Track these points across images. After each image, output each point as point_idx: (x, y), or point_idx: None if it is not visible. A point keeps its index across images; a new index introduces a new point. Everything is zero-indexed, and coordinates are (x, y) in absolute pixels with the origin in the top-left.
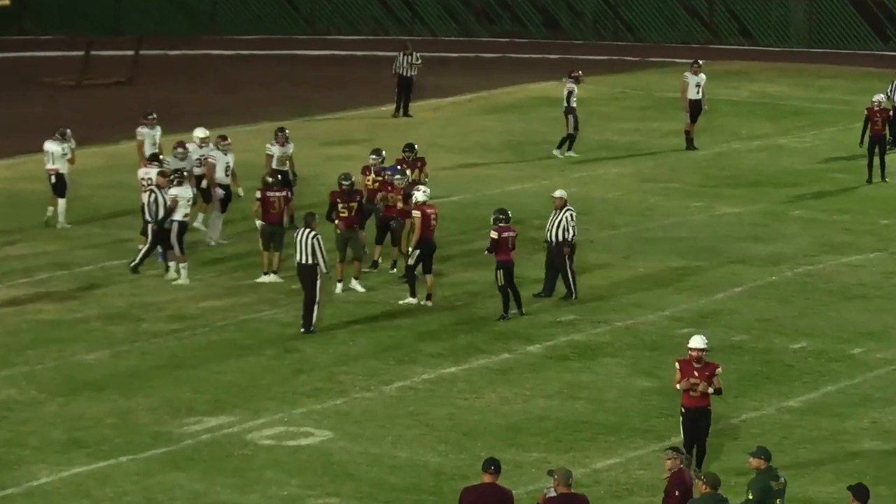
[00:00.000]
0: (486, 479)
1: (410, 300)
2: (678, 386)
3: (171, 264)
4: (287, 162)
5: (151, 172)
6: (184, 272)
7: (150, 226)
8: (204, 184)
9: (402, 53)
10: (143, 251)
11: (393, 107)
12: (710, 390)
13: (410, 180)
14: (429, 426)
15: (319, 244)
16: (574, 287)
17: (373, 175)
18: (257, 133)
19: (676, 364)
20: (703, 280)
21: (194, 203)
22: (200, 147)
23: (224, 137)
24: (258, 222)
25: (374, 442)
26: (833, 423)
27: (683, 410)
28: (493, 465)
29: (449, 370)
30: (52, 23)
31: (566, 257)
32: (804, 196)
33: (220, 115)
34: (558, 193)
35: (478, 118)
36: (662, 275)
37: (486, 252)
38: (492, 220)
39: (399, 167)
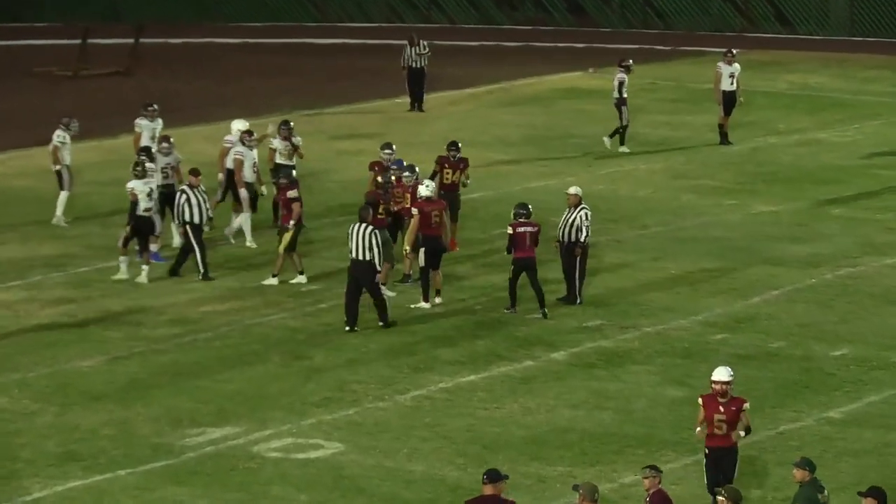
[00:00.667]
0: (487, 490)
1: (423, 304)
2: (698, 430)
3: (145, 267)
4: (293, 156)
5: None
6: (144, 271)
7: (179, 228)
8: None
9: (408, 45)
10: (199, 257)
11: (408, 99)
12: (742, 434)
13: (419, 179)
14: (446, 438)
15: (377, 239)
16: (579, 292)
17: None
18: (263, 127)
19: (699, 400)
20: (738, 283)
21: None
22: (243, 141)
23: (250, 133)
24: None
25: (388, 455)
26: (877, 435)
27: (707, 451)
28: (486, 476)
29: (468, 378)
30: (46, 9)
31: (577, 259)
32: (845, 194)
33: (224, 108)
34: (573, 190)
35: (498, 111)
36: (695, 277)
37: (506, 252)
38: (512, 214)
39: (437, 167)
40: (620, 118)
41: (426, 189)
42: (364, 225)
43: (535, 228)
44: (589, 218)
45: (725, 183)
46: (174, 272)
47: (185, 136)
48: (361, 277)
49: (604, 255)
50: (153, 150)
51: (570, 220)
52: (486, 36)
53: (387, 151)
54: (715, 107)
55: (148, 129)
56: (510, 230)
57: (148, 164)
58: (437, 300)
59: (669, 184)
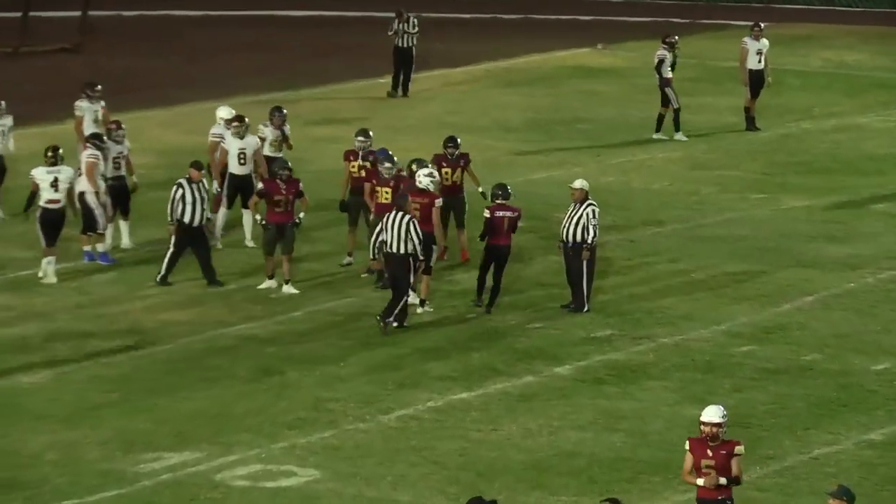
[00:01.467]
0: None
1: (417, 310)
2: (688, 478)
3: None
4: (282, 148)
5: (90, 158)
6: (50, 269)
7: (171, 226)
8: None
9: (395, 20)
10: (167, 257)
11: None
12: (723, 481)
13: (401, 173)
14: (436, 464)
15: (416, 230)
16: (588, 298)
17: (359, 161)
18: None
19: (686, 445)
20: (767, 288)
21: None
22: (229, 129)
23: (241, 119)
24: (258, 217)
25: (371, 483)
26: None
27: (697, 502)
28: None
29: (460, 396)
30: None
31: (584, 262)
32: (889, 187)
33: (185, 89)
34: (578, 184)
35: (495, 93)
36: (717, 281)
37: (480, 238)
38: (489, 195)
39: (430, 162)
40: (666, 102)
41: (426, 178)
42: (401, 214)
43: (515, 213)
44: (597, 215)
45: (752, 174)
46: (163, 281)
47: (141, 121)
48: (396, 271)
49: (614, 256)
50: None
51: (576, 218)
52: (482, 7)
53: (360, 139)
54: (740, 88)
55: (89, 111)
56: (487, 213)
57: (101, 152)
58: (421, 310)
59: (688, 175)
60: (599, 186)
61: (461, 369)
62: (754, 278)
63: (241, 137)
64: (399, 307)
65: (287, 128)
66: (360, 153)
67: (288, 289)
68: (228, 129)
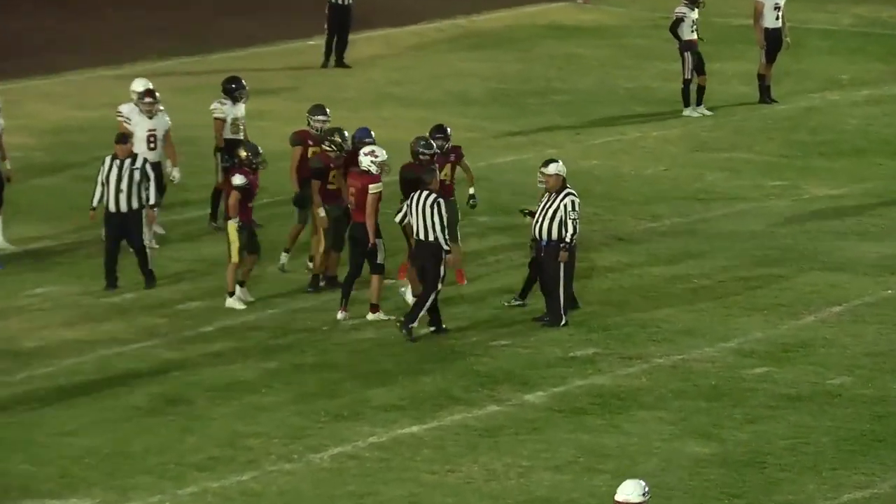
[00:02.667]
0: None
1: (340, 315)
2: None
3: None
4: (241, 127)
5: None
6: None
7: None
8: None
9: None
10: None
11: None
12: None
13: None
14: None
15: (441, 213)
16: (565, 309)
17: (323, 145)
18: (128, 80)
19: None
20: (786, 296)
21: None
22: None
23: (152, 93)
24: (235, 222)
25: None
26: None
27: None
28: None
29: (409, 430)
30: None
31: (561, 265)
32: None
33: (73, 54)
34: (553, 169)
35: (453, 57)
36: (725, 288)
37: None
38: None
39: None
40: (683, 69)
41: (367, 157)
42: (426, 193)
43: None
44: (577, 208)
45: (767, 156)
46: (109, 285)
47: (17, 93)
48: (425, 262)
49: (599, 257)
50: None
51: (551, 211)
52: None
53: (319, 118)
54: (752, 51)
55: None
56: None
57: None
58: (372, 317)
59: (689, 158)
60: (580, 172)
61: (410, 397)
62: (770, 284)
63: (151, 117)
64: (427, 305)
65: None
66: (318, 135)
67: (237, 300)
68: (142, 107)
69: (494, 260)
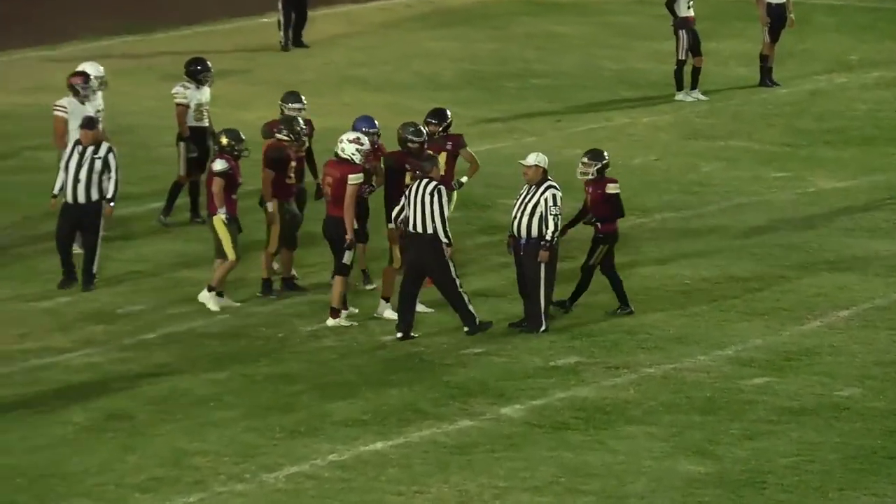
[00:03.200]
0: None
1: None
2: None
3: None
4: (205, 114)
5: None
6: None
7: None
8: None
9: None
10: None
11: (280, 18)
12: None
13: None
14: None
15: (442, 203)
16: (545, 314)
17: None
18: (58, 63)
19: None
20: (789, 299)
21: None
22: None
23: (85, 75)
24: (223, 214)
25: None
26: None
27: None
28: None
29: (373, 447)
30: None
31: (541, 265)
32: None
33: None
34: (532, 160)
35: (421, 36)
36: (722, 290)
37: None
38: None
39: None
40: (677, 48)
41: (350, 145)
42: (426, 181)
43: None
44: (559, 202)
45: (768, 145)
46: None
47: None
48: (423, 259)
49: (582, 256)
50: None
51: (530, 206)
52: None
53: (295, 105)
54: (752, 28)
55: None
56: (615, 188)
57: None
58: (332, 322)
59: (682, 147)
60: (561, 162)
61: (374, 411)
62: (771, 286)
63: (84, 102)
64: (467, 299)
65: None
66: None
67: (216, 301)
68: (81, 90)
69: (467, 259)
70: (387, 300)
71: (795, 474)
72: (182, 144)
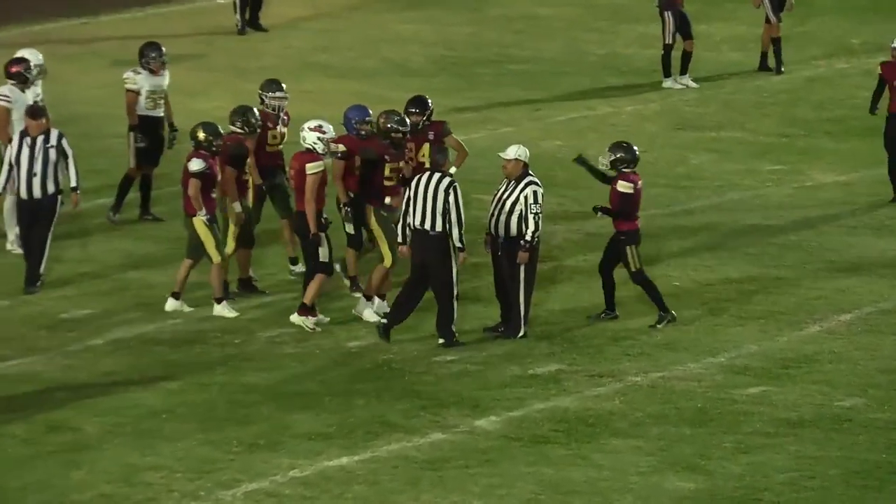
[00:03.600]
0: None
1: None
2: None
3: None
4: (162, 103)
5: None
6: None
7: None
8: None
9: None
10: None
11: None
12: None
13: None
14: None
15: (459, 202)
16: (525, 318)
17: (280, 127)
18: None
19: None
20: (785, 301)
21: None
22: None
23: (23, 62)
24: (202, 215)
25: None
26: None
27: None
28: None
29: (338, 461)
30: None
31: (521, 267)
32: None
33: None
34: (512, 153)
35: (390, 18)
36: (714, 292)
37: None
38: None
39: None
40: (663, 32)
41: (312, 133)
42: (439, 176)
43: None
44: (540, 199)
45: (763, 136)
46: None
47: None
48: (427, 257)
49: (564, 256)
50: None
51: (509, 203)
52: None
53: (277, 94)
54: (744, 9)
55: None
56: (628, 187)
57: None
58: (309, 323)
59: (670, 138)
60: (541, 154)
61: (339, 423)
62: (767, 288)
63: (24, 90)
64: (454, 314)
65: (166, 74)
66: (274, 115)
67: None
68: (24, 74)
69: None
70: (369, 298)
71: (793, 491)
72: (132, 134)
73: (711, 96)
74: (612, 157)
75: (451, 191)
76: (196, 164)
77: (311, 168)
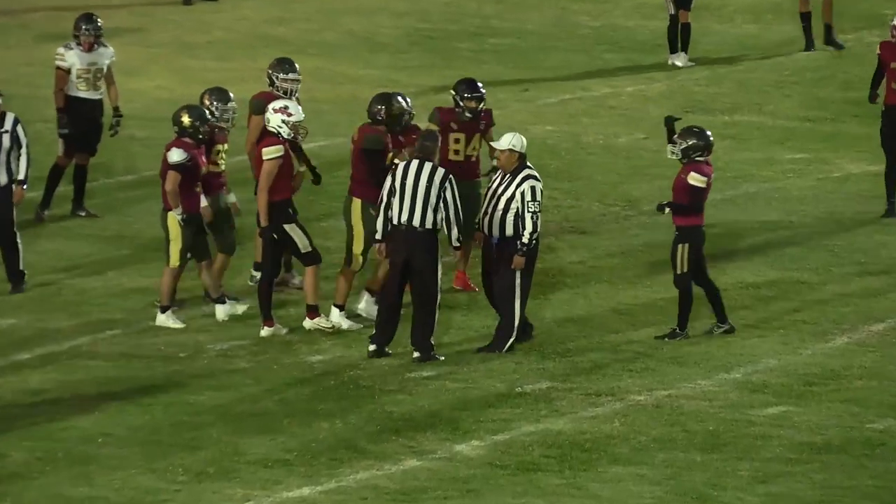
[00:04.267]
0: None
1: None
2: None
3: None
4: (100, 84)
5: None
6: None
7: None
8: None
9: None
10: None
11: None
12: None
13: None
14: None
15: (456, 196)
16: (515, 328)
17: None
18: None
19: None
20: (809, 310)
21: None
22: None
23: None
24: (178, 213)
25: None
26: None
27: None
28: None
29: (298, 492)
30: None
31: (517, 273)
32: None
33: None
34: (506, 142)
35: None
36: (728, 298)
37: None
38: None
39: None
40: (687, 3)
41: (279, 116)
42: (429, 165)
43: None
44: (538, 196)
45: (784, 120)
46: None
47: None
48: (414, 257)
49: (555, 257)
50: None
51: (504, 200)
52: None
53: (290, 76)
54: None
55: None
56: (699, 180)
57: None
58: (308, 323)
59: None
60: (531, 141)
61: (300, 448)
62: (788, 294)
63: None
64: (434, 325)
65: (109, 51)
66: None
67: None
68: None
69: None
70: (340, 308)
71: None
72: (59, 118)
73: (724, 75)
74: (684, 145)
75: (448, 184)
76: (176, 155)
77: (267, 153)
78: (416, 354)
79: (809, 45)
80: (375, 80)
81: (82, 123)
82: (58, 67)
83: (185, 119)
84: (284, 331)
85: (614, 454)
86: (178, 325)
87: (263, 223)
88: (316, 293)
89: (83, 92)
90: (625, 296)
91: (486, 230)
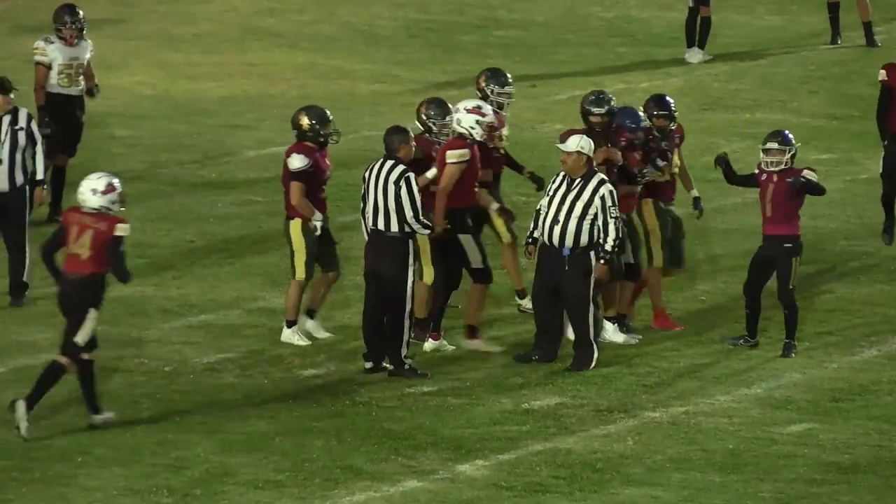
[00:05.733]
0: None
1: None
2: None
3: None
4: (81, 79)
5: None
6: None
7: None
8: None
9: None
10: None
11: None
12: None
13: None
14: None
15: (412, 191)
16: (595, 341)
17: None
18: None
19: None
20: (836, 320)
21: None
22: None
23: None
24: (319, 221)
25: None
26: None
27: None
28: None
29: None
30: None
31: (591, 283)
32: None
33: None
34: (576, 144)
35: None
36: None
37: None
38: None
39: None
40: None
41: (473, 116)
42: (390, 163)
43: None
44: (615, 200)
45: (809, 118)
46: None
47: None
48: (380, 266)
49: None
50: None
51: (579, 207)
52: None
53: (507, 88)
54: None
55: None
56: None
57: None
58: (470, 343)
59: (696, 120)
60: (539, 140)
61: (292, 468)
62: (814, 303)
63: None
64: (405, 339)
65: (87, 44)
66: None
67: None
68: None
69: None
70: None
71: None
72: (45, 117)
73: (745, 70)
74: (794, 150)
75: (403, 181)
76: (297, 161)
77: (451, 156)
78: (388, 368)
79: (836, 38)
80: (372, 76)
81: (62, 121)
82: (37, 63)
83: (304, 121)
84: (450, 348)
85: (627, 475)
86: (304, 342)
87: (438, 226)
88: (477, 314)
89: (63, 88)
90: (638, 304)
91: (549, 240)
